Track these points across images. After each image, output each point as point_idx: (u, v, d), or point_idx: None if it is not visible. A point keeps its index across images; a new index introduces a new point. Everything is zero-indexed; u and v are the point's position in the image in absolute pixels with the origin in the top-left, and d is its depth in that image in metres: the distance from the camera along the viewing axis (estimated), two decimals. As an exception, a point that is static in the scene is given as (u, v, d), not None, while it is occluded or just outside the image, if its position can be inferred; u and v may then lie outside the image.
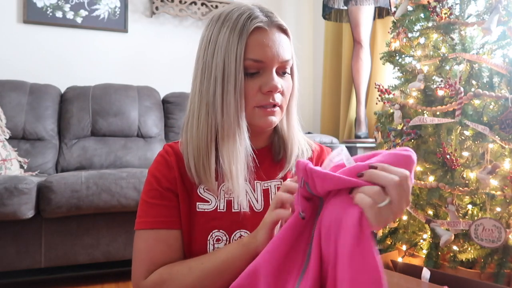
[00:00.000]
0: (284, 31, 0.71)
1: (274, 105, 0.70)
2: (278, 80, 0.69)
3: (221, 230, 0.72)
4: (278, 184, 0.76)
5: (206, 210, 0.72)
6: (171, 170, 0.73)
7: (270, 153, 0.79)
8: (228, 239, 0.72)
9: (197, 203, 0.73)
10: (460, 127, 1.37)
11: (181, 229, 0.72)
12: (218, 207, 0.72)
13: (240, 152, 0.69)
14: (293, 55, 0.74)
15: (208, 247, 0.71)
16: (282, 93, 0.71)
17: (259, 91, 0.69)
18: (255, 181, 0.75)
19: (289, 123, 0.77)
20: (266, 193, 0.75)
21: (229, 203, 0.73)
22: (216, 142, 0.70)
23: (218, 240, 0.72)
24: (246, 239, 0.66)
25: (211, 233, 0.71)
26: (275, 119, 0.71)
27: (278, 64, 0.69)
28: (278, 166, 0.78)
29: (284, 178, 0.78)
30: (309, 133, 2.77)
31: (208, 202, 0.73)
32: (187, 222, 0.72)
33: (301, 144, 0.80)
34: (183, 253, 0.72)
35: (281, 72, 0.71)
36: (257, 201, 0.74)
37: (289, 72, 0.73)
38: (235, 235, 0.72)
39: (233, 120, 0.67)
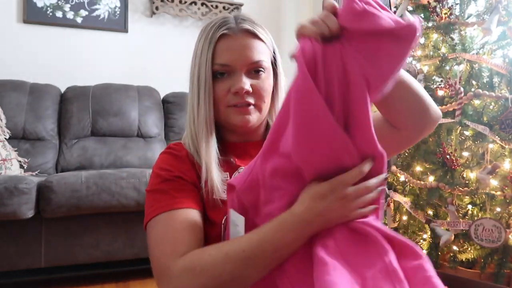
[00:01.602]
0: (253, 35, 0.75)
1: (249, 104, 0.75)
2: (246, 82, 0.74)
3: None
4: None
5: (221, 197, 0.73)
6: (184, 163, 0.75)
7: None
8: None
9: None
10: (460, 127, 1.37)
11: (200, 210, 0.70)
12: (215, 195, 0.73)
13: (211, 150, 0.74)
14: (274, 56, 0.79)
15: (222, 230, 0.72)
16: (255, 93, 0.75)
17: (228, 91, 0.74)
18: None
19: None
20: None
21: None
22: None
23: None
24: (285, 215, 0.59)
25: (225, 217, 0.72)
26: (251, 118, 0.76)
27: (247, 66, 0.74)
28: None
29: None
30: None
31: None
32: (204, 208, 0.73)
33: None
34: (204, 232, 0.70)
35: (254, 72, 0.75)
36: None
37: (264, 73, 0.76)
38: None
39: (202, 119, 0.74)
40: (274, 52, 0.80)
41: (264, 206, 0.61)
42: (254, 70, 0.75)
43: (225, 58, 0.73)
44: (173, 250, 0.64)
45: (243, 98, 0.74)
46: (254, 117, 0.76)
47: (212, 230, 0.72)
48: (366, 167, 0.56)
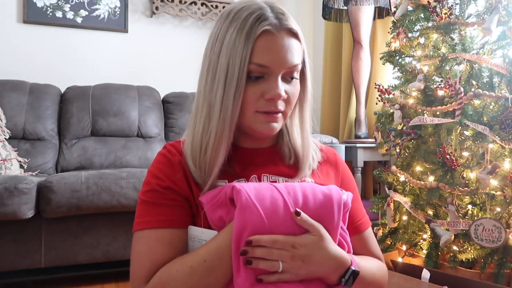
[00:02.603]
0: (294, 34, 0.68)
1: (278, 112, 0.69)
2: (282, 87, 0.67)
3: None
4: (286, 179, 0.75)
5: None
6: (176, 171, 0.71)
7: (276, 153, 0.78)
8: None
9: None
10: (460, 127, 1.37)
11: (184, 227, 0.69)
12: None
13: (221, 158, 0.69)
14: (304, 58, 0.72)
15: None
16: (287, 100, 0.69)
17: (261, 96, 0.67)
18: (262, 175, 0.74)
19: (303, 130, 0.76)
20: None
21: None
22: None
23: None
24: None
25: None
26: (277, 126, 0.70)
27: (285, 69, 0.67)
28: (289, 168, 0.77)
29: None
30: (309, 133, 2.76)
31: None
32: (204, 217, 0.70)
33: (310, 148, 0.79)
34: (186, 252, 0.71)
35: (288, 78, 0.69)
36: None
37: (297, 77, 0.70)
38: None
39: (226, 124, 0.67)
40: (304, 52, 0.72)
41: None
42: (289, 75, 0.68)
43: (264, 58, 0.65)
44: (148, 272, 0.66)
45: (276, 106, 0.67)
46: (280, 125, 0.70)
47: None
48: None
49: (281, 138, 0.78)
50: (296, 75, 0.70)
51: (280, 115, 0.70)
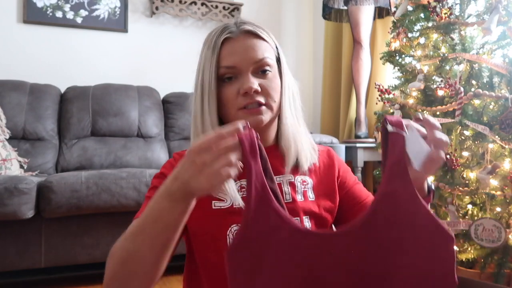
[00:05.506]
0: (254, 35, 0.75)
1: (260, 104, 0.73)
2: (254, 81, 0.72)
3: (239, 224, 0.70)
4: (289, 179, 0.78)
5: (222, 207, 0.74)
6: None
7: (277, 151, 0.80)
8: None
9: (213, 201, 0.74)
10: (460, 127, 1.37)
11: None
12: (234, 203, 0.73)
13: None
14: (279, 54, 0.79)
15: (228, 242, 0.71)
16: (264, 92, 0.74)
17: (238, 93, 0.73)
18: None
19: (281, 121, 0.78)
20: (279, 186, 0.76)
21: (244, 199, 0.71)
22: None
23: None
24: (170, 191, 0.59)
25: (230, 227, 0.72)
26: (263, 118, 0.74)
27: (252, 65, 0.73)
28: (288, 166, 0.79)
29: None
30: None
31: (224, 200, 0.74)
32: (203, 222, 0.73)
33: (303, 145, 0.80)
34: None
35: (259, 72, 0.74)
36: None
37: (270, 70, 0.75)
38: None
39: (209, 127, 0.72)
40: (277, 51, 0.79)
41: None
42: (261, 70, 0.74)
43: (230, 60, 0.73)
44: None
45: (253, 98, 0.72)
46: (267, 117, 0.74)
47: (213, 244, 0.73)
48: (223, 133, 0.54)
49: (278, 137, 0.81)
50: (269, 68, 0.75)
51: (264, 107, 0.74)
